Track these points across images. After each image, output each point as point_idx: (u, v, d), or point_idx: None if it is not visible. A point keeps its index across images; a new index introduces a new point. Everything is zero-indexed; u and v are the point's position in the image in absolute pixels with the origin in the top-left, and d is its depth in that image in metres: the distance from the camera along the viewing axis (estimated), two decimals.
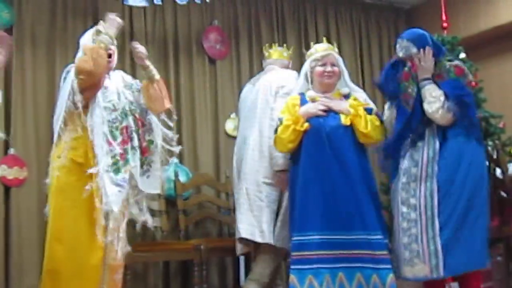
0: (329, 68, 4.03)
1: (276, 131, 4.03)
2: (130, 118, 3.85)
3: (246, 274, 5.45)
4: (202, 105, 5.66)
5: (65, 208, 3.61)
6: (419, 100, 3.89)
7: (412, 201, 3.84)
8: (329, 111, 3.96)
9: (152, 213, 5.12)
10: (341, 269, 3.78)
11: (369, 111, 3.99)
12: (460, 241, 3.71)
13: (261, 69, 5.78)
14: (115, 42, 3.82)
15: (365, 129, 3.91)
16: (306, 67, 4.13)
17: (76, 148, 3.68)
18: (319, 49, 4.11)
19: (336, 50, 4.17)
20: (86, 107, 3.68)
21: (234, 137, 5.69)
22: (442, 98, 3.85)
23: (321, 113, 3.95)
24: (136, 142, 3.85)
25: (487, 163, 4.89)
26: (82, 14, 5.31)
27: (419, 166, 3.85)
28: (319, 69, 4.05)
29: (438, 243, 3.72)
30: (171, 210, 5.27)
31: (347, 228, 3.81)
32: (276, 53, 4.81)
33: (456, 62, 3.99)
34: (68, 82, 3.69)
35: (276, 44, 5.11)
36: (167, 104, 3.99)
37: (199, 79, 5.69)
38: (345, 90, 4.09)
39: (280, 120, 4.01)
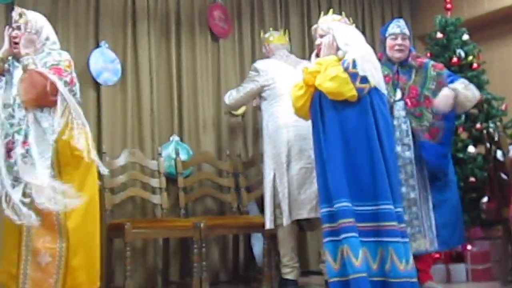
0: (317, 42, 4.08)
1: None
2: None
3: (245, 252, 5.48)
4: (204, 83, 5.63)
5: None
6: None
7: (411, 181, 4.26)
8: None
9: (153, 190, 5.18)
10: (363, 243, 3.62)
11: (342, 63, 3.82)
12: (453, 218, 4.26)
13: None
14: None
15: (317, 81, 3.82)
16: None
17: None
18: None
19: (332, 17, 4.20)
20: None
21: (236, 116, 5.70)
22: None
23: None
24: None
25: (487, 144, 4.98)
26: None
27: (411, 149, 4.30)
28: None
29: (433, 220, 4.22)
30: (171, 188, 5.27)
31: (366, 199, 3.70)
32: (282, 39, 5.18)
33: None
34: None
35: (282, 30, 5.41)
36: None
37: (202, 57, 5.66)
38: (340, 54, 3.91)
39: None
